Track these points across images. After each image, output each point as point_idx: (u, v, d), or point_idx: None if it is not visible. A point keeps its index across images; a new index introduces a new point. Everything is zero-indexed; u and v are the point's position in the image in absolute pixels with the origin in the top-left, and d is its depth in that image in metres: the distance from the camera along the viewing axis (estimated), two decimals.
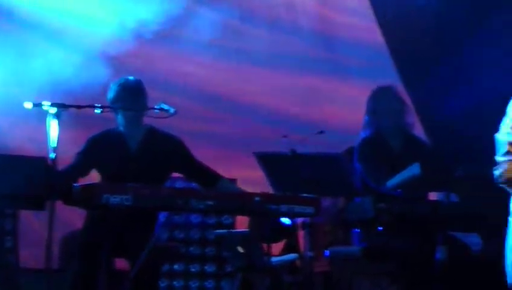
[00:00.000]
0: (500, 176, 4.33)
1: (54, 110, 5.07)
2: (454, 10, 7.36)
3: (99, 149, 6.14)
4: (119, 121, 6.15)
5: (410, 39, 7.47)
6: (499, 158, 4.35)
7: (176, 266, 7.80)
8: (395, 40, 7.67)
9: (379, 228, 6.45)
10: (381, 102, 6.79)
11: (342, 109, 7.91)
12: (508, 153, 4.33)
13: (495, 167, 4.37)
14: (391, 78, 7.44)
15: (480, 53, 7.22)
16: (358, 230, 6.58)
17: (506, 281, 4.33)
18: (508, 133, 4.35)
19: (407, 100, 6.99)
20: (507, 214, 4.41)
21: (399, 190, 6.56)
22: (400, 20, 7.43)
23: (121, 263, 6.29)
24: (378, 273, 6.52)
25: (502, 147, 4.37)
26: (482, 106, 6.61)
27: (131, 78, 6.20)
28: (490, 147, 4.45)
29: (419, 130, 7.26)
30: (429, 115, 7.48)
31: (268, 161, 6.07)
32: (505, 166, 4.31)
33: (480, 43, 7.26)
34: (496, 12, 7.20)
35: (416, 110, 7.19)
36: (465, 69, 7.24)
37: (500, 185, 4.35)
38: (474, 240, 6.63)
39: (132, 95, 6.08)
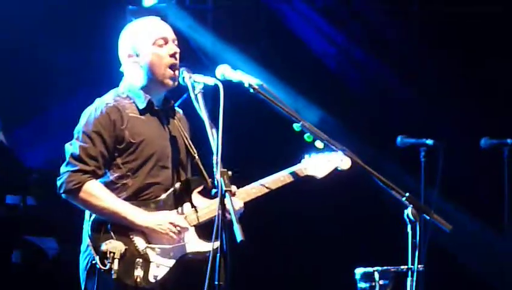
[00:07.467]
0: (60, 186, 4.16)
1: None
2: None
3: None
4: None
5: None
6: (62, 168, 4.19)
7: None
8: None
9: None
10: None
11: None
12: (69, 163, 4.17)
13: (58, 177, 4.20)
14: None
15: None
16: None
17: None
18: (73, 143, 4.20)
19: None
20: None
21: None
22: None
23: None
24: None
25: (66, 157, 4.20)
26: None
27: None
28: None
29: None
30: None
31: None
32: (65, 177, 4.15)
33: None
34: None
35: None
36: None
37: (62, 195, 4.18)
38: (50, 244, 6.72)
39: None
